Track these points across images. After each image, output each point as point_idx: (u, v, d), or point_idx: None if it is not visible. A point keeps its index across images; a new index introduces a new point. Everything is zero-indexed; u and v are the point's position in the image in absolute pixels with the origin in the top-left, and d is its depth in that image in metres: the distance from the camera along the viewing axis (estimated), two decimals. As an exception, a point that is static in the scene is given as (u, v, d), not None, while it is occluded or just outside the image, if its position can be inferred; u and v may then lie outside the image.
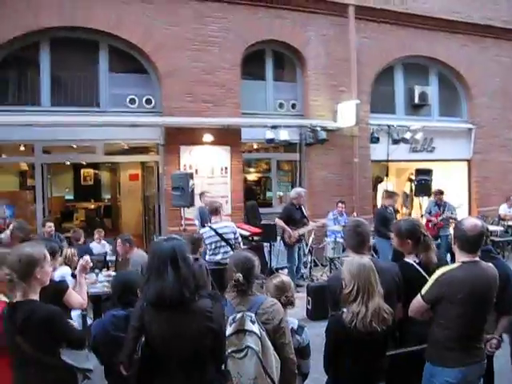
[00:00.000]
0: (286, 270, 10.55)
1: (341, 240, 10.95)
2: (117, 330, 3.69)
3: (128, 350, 3.00)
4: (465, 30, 14.37)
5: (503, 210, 14.10)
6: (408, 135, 12.95)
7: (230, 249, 8.01)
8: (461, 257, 3.64)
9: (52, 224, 9.22)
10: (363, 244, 3.84)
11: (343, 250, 10.78)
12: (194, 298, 2.89)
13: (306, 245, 11.37)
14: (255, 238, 10.95)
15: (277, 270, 10.58)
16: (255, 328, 3.20)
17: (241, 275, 3.34)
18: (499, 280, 3.62)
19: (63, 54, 10.63)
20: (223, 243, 7.97)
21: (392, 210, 10.65)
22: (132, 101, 11.22)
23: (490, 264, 3.68)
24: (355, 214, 12.19)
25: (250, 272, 3.42)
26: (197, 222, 10.04)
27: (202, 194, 10.41)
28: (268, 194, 14.15)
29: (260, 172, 15.00)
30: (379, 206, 12.29)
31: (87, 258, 4.52)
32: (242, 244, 8.50)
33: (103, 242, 10.23)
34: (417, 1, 13.68)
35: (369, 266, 3.44)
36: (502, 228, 13.40)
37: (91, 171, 19.00)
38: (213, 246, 7.93)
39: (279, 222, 10.39)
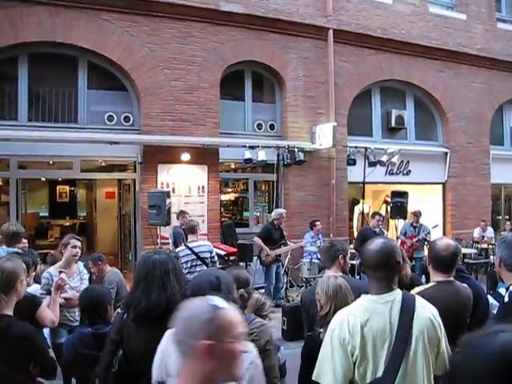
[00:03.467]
0: (262, 290, 10.44)
1: (317, 261, 11.10)
2: (85, 347, 3.65)
3: (104, 363, 2.97)
4: (441, 56, 14.66)
5: (477, 233, 14.29)
6: (384, 158, 13.06)
7: (205, 268, 7.96)
8: (435, 276, 3.65)
9: (26, 240, 9.02)
10: (334, 262, 3.93)
11: (319, 271, 10.87)
12: None
13: (282, 265, 11.34)
14: (231, 257, 10.90)
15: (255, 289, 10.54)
16: None
17: (243, 290, 3.35)
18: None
19: (42, 69, 10.58)
20: (199, 262, 7.95)
21: (380, 230, 10.80)
22: (110, 118, 11.21)
23: (465, 284, 3.70)
24: (331, 235, 12.28)
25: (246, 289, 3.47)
26: (170, 241, 10.03)
27: (181, 213, 10.38)
28: (245, 213, 14.16)
29: (237, 192, 15.02)
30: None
31: (63, 276, 4.48)
32: (217, 263, 8.53)
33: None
34: (395, 27, 13.95)
35: (345, 287, 3.48)
36: (475, 251, 13.58)
37: (67, 188, 18.75)
38: (188, 265, 7.89)
39: (257, 241, 10.47)
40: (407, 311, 2.74)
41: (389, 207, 13.37)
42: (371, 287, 2.88)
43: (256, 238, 10.52)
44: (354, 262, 10.07)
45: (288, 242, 10.91)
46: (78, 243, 5.66)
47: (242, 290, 3.32)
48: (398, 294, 2.83)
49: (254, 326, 3.34)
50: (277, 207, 11.89)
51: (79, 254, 5.64)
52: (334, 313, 3.25)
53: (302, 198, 12.85)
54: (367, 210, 14.40)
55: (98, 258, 6.95)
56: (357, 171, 13.00)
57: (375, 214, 11.35)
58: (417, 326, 2.73)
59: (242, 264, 10.80)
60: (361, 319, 2.73)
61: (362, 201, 13.38)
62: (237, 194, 15.08)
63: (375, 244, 2.91)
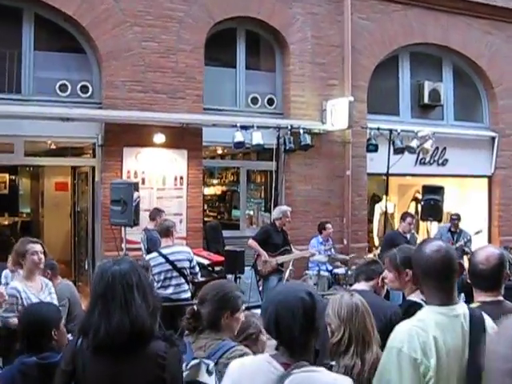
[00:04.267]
0: (258, 311, 10.52)
1: (326, 273, 11.24)
2: (27, 381, 3.67)
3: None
4: (489, 15, 14.61)
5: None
6: (414, 143, 13.06)
7: (183, 280, 8.12)
8: (478, 296, 3.66)
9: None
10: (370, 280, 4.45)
11: (329, 287, 11.01)
12: (149, 339, 2.90)
13: (280, 278, 11.24)
14: (217, 267, 11.03)
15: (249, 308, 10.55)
16: (210, 381, 3.19)
17: (195, 307, 3.40)
18: None
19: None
20: (175, 273, 8.05)
21: (412, 236, 10.86)
22: (63, 87, 11.19)
23: None
24: (345, 241, 12.39)
25: (222, 305, 3.47)
26: (142, 247, 10.02)
27: (157, 213, 10.36)
28: (234, 212, 14.22)
29: (225, 184, 15.03)
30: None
31: (2, 289, 4.48)
32: (199, 275, 8.63)
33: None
34: (430, -25, 13.96)
35: (363, 308, 3.52)
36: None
37: (6, 176, 18.61)
38: (162, 277, 7.98)
39: (253, 244, 10.54)
40: (478, 327, 2.83)
41: (419, 206, 13.29)
42: (432, 298, 2.96)
43: (251, 241, 10.58)
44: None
45: (293, 249, 10.96)
46: (38, 247, 5.77)
47: (195, 306, 3.39)
48: (463, 306, 2.94)
49: (230, 354, 3.33)
50: (276, 205, 11.93)
51: (43, 260, 5.74)
52: (349, 340, 3.39)
53: (309, 194, 12.89)
54: (391, 210, 14.47)
55: (49, 266, 6.89)
56: (379, 160, 12.98)
57: (406, 215, 11.44)
58: None
59: (230, 276, 10.59)
60: (433, 334, 2.79)
61: (384, 198, 13.42)
62: (224, 188, 15.11)
63: (436, 247, 2.99)
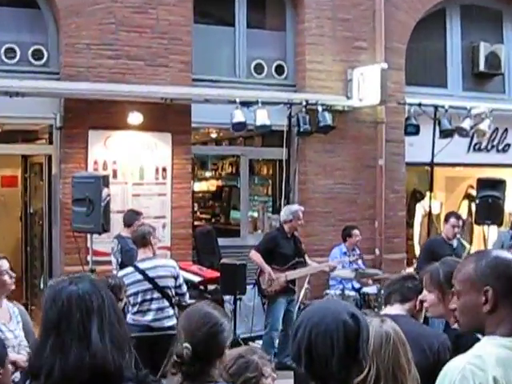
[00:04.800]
0: (259, 342, 10.70)
1: (353, 293, 11.26)
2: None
3: None
4: None
5: None
6: (467, 123, 12.97)
7: (167, 303, 8.12)
8: None
9: None
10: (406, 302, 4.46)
11: (356, 305, 10.80)
12: (117, 380, 2.80)
13: (291, 300, 11.30)
14: (210, 286, 11.13)
15: (246, 341, 10.59)
16: None
17: (189, 346, 3.36)
18: None
19: None
20: (156, 294, 8.05)
21: (459, 243, 10.88)
22: (10, 52, 11.18)
23: None
24: (377, 252, 12.44)
25: (211, 342, 3.46)
26: (114, 260, 9.99)
27: (134, 216, 10.26)
28: (233, 214, 14.34)
29: (221, 178, 15.10)
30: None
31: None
32: (187, 296, 8.56)
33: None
34: None
35: (396, 337, 3.44)
36: None
37: None
38: (139, 299, 7.98)
39: (255, 257, 10.60)
40: None
41: (473, 205, 13.31)
42: (502, 326, 2.88)
43: (253, 253, 10.62)
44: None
45: (308, 261, 10.97)
46: (5, 264, 5.84)
47: (187, 344, 3.36)
48: None
49: None
50: (288, 203, 11.95)
51: (13, 281, 5.82)
52: (377, 378, 3.26)
53: (330, 190, 12.89)
54: (437, 210, 14.46)
55: None
56: (421, 145, 12.99)
57: (450, 215, 11.42)
58: None
59: (227, 298, 11.00)
60: (493, 374, 2.72)
61: (428, 195, 13.38)
62: (220, 182, 15.18)
63: None
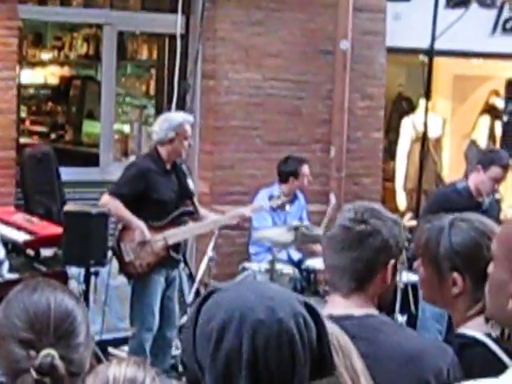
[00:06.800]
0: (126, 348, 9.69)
1: (288, 268, 9.91)
2: None
3: None
4: None
5: None
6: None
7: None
8: None
9: None
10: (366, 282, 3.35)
11: (295, 289, 9.61)
12: None
13: (191, 277, 10.05)
14: (46, 251, 9.61)
15: (102, 345, 9.10)
16: None
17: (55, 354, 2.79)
18: None
19: None
20: None
21: (492, 200, 9.26)
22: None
23: None
24: (332, 197, 11.08)
25: (67, 340, 2.69)
26: None
27: None
28: (88, 127, 12.89)
29: (68, 63, 13.83)
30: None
31: None
32: (5, 267, 7.84)
33: None
34: None
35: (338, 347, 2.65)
36: None
37: None
38: None
39: (111, 205, 8.76)
40: None
41: (498, 124, 12.60)
42: None
43: (107, 199, 8.75)
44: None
45: (202, 212, 9.18)
46: None
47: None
48: None
49: None
50: (183, 109, 10.41)
51: None
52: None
53: (256, 90, 11.26)
54: (437, 131, 13.16)
55: None
56: (414, 19, 11.50)
57: (493, 159, 9.05)
58: None
59: (74, 271, 9.44)
60: None
61: (424, 104, 11.28)
62: (67, 71, 14.01)
63: None
